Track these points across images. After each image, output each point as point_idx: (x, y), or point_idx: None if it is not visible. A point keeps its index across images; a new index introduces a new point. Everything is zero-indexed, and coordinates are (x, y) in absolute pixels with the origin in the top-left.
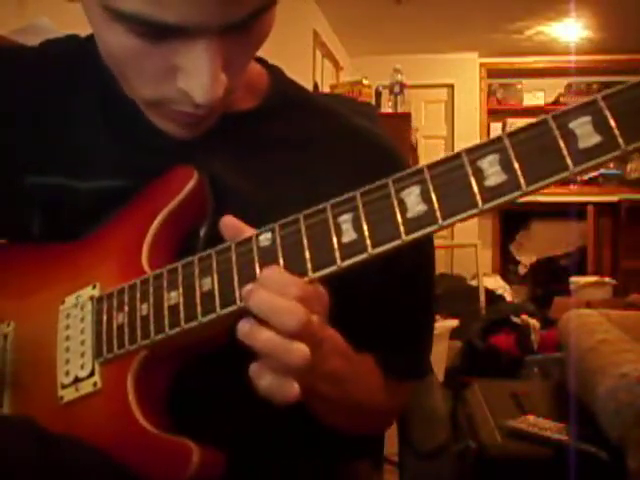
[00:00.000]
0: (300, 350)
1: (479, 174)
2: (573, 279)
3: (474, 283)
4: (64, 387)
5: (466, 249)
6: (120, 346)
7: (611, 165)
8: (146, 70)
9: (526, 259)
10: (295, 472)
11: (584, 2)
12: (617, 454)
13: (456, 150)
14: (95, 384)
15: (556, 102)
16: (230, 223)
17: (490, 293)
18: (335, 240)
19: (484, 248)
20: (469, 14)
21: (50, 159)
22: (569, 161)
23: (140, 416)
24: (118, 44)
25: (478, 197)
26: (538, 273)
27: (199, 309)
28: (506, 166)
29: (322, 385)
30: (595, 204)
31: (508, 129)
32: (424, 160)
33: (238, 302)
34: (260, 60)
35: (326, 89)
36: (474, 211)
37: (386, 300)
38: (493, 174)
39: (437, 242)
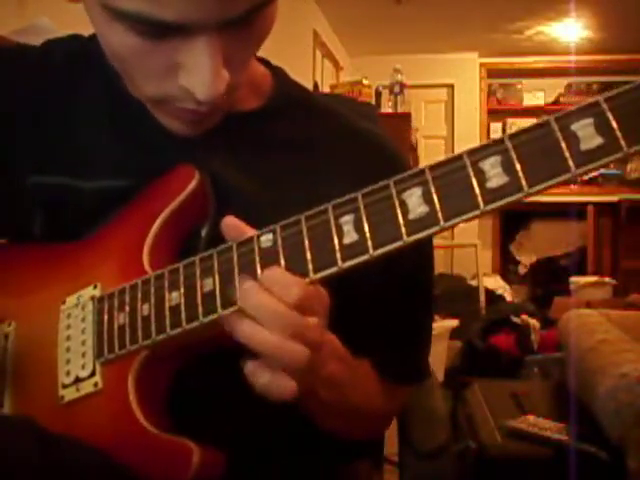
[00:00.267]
0: (299, 351)
1: (481, 176)
2: (573, 279)
3: (474, 283)
4: (65, 387)
5: (466, 249)
6: (121, 346)
7: (611, 165)
8: (148, 68)
9: (526, 259)
10: (295, 472)
11: (584, 2)
12: (617, 454)
13: (456, 150)
14: (96, 384)
15: (556, 102)
16: (232, 223)
17: (490, 293)
18: (336, 241)
19: (484, 248)
20: (469, 14)
21: (53, 159)
22: (571, 163)
23: (141, 416)
24: (119, 43)
25: (480, 199)
26: (538, 273)
27: (200, 309)
28: (508, 168)
29: (320, 389)
30: (595, 204)
31: (508, 129)
32: (424, 160)
33: (239, 303)
34: (264, 61)
35: (326, 89)
36: (476, 213)
37: (385, 303)
38: (495, 176)
39: (437, 242)
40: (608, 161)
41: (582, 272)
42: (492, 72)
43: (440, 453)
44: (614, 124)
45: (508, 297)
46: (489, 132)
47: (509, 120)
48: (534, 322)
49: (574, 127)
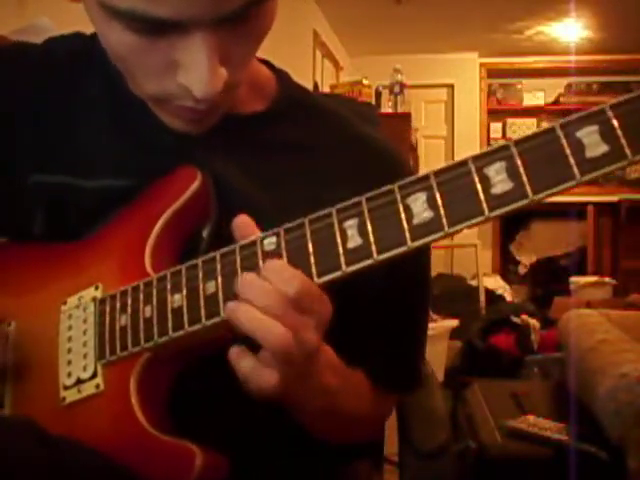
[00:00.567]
0: (282, 333)
1: (486, 182)
2: (573, 279)
3: (474, 283)
4: (66, 388)
5: (466, 249)
6: (123, 348)
7: None
8: (147, 66)
9: (526, 259)
10: (295, 472)
11: (584, 2)
12: (617, 454)
13: (456, 150)
14: (97, 386)
15: (556, 102)
16: (244, 221)
17: (490, 293)
18: (340, 245)
19: (484, 248)
20: (469, 14)
21: (54, 158)
22: (576, 170)
23: (143, 418)
24: (117, 41)
25: (484, 205)
26: (538, 273)
27: (203, 312)
28: (513, 174)
29: (314, 399)
30: (595, 204)
31: (508, 129)
32: (424, 160)
33: (238, 290)
34: (267, 64)
35: (326, 89)
36: (480, 219)
37: (380, 311)
38: (500, 182)
39: (437, 242)
40: (613, 169)
41: (582, 272)
42: (492, 72)
43: (440, 453)
44: (619, 132)
45: (508, 297)
46: (489, 132)
47: (509, 120)
48: (534, 322)
49: (579, 134)
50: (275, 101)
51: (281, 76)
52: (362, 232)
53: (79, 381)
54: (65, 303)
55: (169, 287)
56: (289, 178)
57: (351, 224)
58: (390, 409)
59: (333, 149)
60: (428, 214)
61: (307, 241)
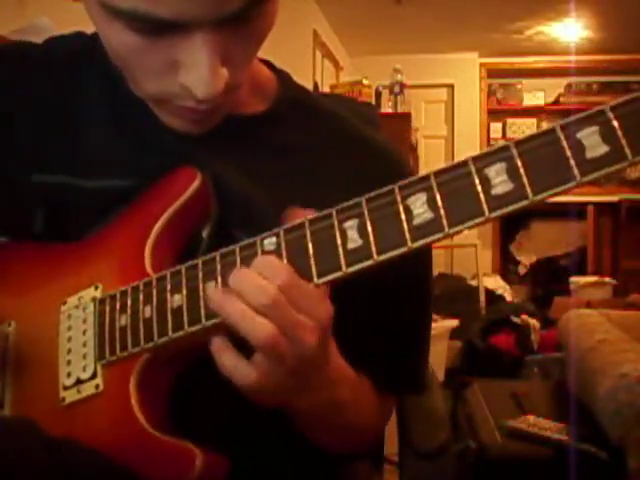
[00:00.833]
0: (263, 325)
1: (486, 182)
2: (573, 279)
3: (474, 283)
4: (66, 389)
5: (466, 249)
6: (123, 348)
7: None
8: (148, 66)
9: (526, 259)
10: (295, 472)
11: (584, 2)
12: (617, 454)
13: (456, 150)
14: (97, 386)
15: (556, 102)
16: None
17: (490, 293)
18: (340, 246)
19: (484, 248)
20: (469, 14)
21: (55, 157)
22: (576, 171)
23: (142, 419)
24: (118, 41)
25: (484, 206)
26: (538, 273)
27: (203, 312)
28: (513, 175)
29: (327, 415)
30: (595, 204)
31: (508, 129)
32: (424, 160)
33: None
34: (268, 64)
35: (326, 89)
36: (480, 219)
37: (383, 314)
38: (500, 183)
39: (437, 242)
40: (613, 170)
41: (582, 272)
42: (492, 72)
43: (440, 453)
44: (619, 132)
45: (508, 297)
46: (489, 132)
47: (509, 120)
48: (534, 322)
49: (580, 135)
50: (276, 102)
51: (282, 77)
52: (362, 233)
53: (79, 381)
54: (65, 303)
55: (169, 287)
56: (289, 179)
57: (351, 225)
58: (391, 412)
59: (333, 150)
60: (428, 215)
61: (307, 242)
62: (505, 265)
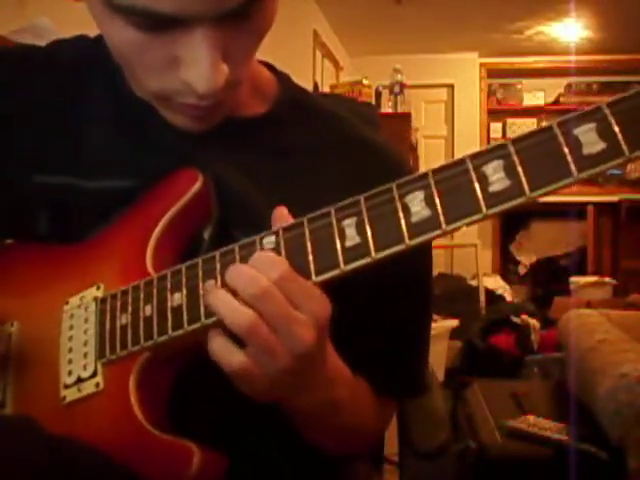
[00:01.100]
0: (245, 313)
1: (483, 180)
2: (573, 279)
3: (474, 283)
4: (66, 387)
5: (466, 249)
6: (123, 347)
7: None
8: (149, 62)
9: (526, 259)
10: (295, 472)
11: (584, 2)
12: (617, 454)
13: (456, 150)
14: (97, 385)
15: (556, 102)
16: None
17: (490, 293)
18: (339, 244)
19: (484, 248)
20: (469, 14)
21: (57, 158)
22: (573, 167)
23: (141, 417)
24: (120, 38)
25: (482, 203)
26: (538, 273)
27: (202, 311)
28: (510, 172)
29: (323, 415)
30: (595, 204)
31: (508, 129)
32: (424, 160)
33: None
34: (269, 66)
35: (326, 89)
36: (478, 216)
37: (382, 316)
38: (497, 180)
39: (437, 242)
40: (610, 166)
41: (582, 272)
42: (492, 72)
43: (440, 453)
44: (616, 129)
45: (508, 297)
46: (489, 132)
47: (509, 120)
48: (534, 322)
49: (576, 132)
50: (276, 104)
51: (282, 78)
52: (360, 230)
53: (79, 380)
54: (67, 303)
55: (169, 286)
56: (289, 180)
57: (349, 223)
58: (391, 416)
59: (333, 151)
60: (426, 212)
61: (306, 240)
62: (505, 265)
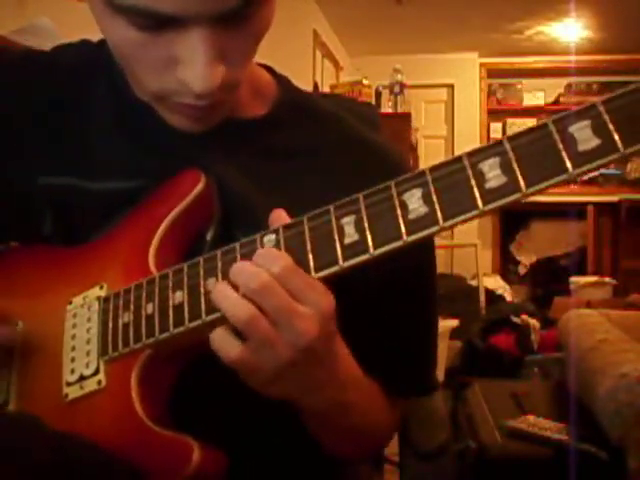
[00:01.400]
0: (241, 305)
1: (480, 177)
2: (573, 279)
3: (474, 283)
4: (69, 385)
5: (466, 249)
6: (125, 345)
7: (611, 165)
8: (148, 62)
9: (526, 259)
10: (295, 472)
11: (584, 2)
12: (617, 454)
13: (456, 150)
14: (99, 382)
15: (556, 102)
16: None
17: (490, 293)
18: (338, 241)
19: (484, 248)
20: (469, 14)
21: (62, 160)
22: (568, 164)
23: (143, 414)
24: (120, 38)
25: (479, 199)
26: (538, 273)
27: (203, 308)
28: (506, 169)
29: (334, 416)
30: (595, 204)
31: (508, 129)
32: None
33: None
34: (268, 69)
35: (326, 89)
36: (475, 213)
37: (389, 316)
38: (494, 177)
39: (437, 242)
40: (605, 162)
41: (582, 272)
42: (492, 72)
43: (440, 453)
44: (611, 126)
45: (508, 297)
46: (489, 132)
47: (509, 120)
48: (534, 322)
49: (572, 129)
50: (276, 105)
51: (281, 81)
52: (359, 228)
53: (82, 377)
54: (70, 303)
55: (171, 285)
56: (290, 181)
57: (348, 220)
58: (399, 417)
59: (334, 152)
60: (423, 209)
61: (305, 237)
62: (505, 265)
